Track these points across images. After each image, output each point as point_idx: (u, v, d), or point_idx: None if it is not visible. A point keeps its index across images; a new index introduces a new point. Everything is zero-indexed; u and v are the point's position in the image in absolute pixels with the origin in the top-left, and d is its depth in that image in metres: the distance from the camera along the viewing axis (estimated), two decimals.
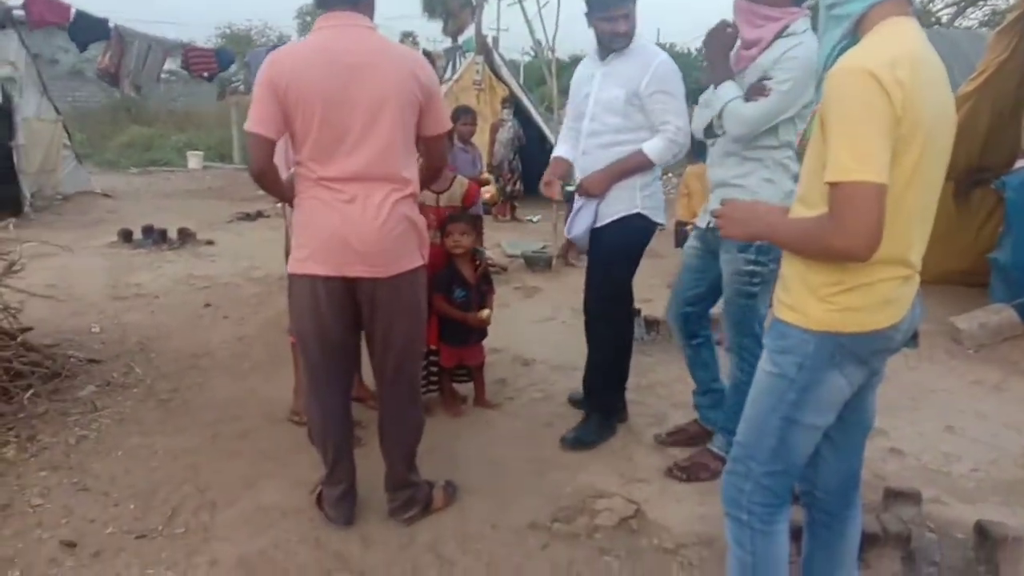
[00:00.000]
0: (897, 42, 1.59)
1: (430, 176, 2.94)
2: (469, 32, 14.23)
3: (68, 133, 11.27)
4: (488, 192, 9.49)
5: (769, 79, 2.73)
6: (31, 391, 3.68)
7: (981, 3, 15.44)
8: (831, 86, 1.58)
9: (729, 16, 2.89)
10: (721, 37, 2.91)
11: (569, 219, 3.49)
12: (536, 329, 5.55)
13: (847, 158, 1.53)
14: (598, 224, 3.37)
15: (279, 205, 3.30)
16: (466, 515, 2.89)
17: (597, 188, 3.32)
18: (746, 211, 1.88)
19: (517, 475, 3.22)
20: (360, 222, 2.47)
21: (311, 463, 3.02)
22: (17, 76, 9.49)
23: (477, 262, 3.85)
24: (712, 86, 2.92)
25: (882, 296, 1.69)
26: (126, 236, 8.19)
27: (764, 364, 1.87)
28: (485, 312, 3.79)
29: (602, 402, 3.63)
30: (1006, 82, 5.92)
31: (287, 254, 2.79)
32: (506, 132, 10.58)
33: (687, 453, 3.35)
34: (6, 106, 9.45)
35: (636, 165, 3.29)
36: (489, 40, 13.40)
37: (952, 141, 1.72)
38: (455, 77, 12.44)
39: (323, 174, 2.48)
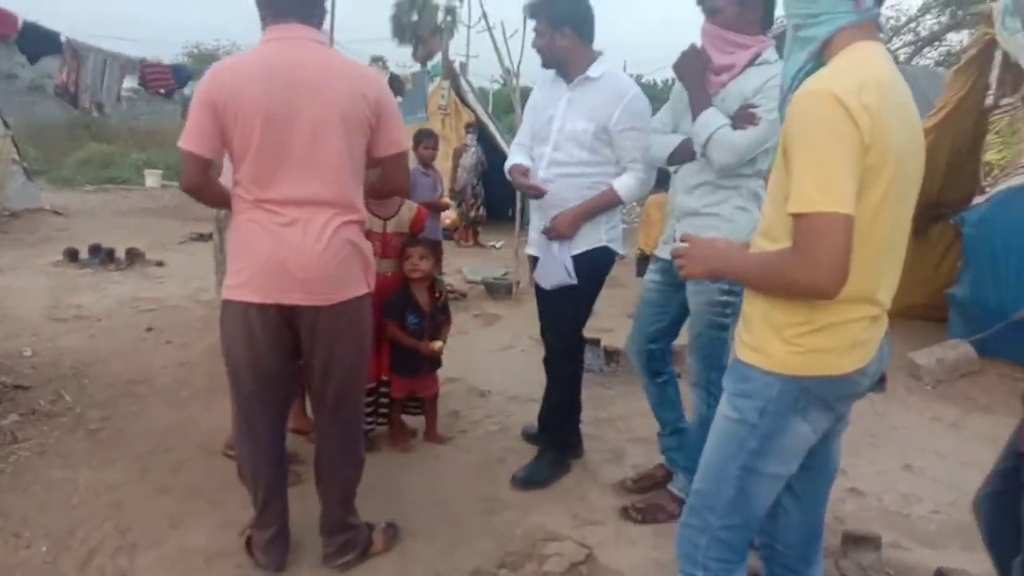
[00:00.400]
0: (864, 67, 1.50)
1: (387, 195, 2.80)
2: (439, 58, 14.21)
3: (17, 148, 10.93)
4: (449, 218, 9.38)
5: (754, 107, 2.64)
6: None
7: (937, 44, 15.80)
8: (794, 111, 1.48)
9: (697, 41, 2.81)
10: (695, 61, 2.78)
11: (538, 267, 3.32)
12: (494, 358, 5.41)
13: (812, 188, 1.43)
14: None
15: (214, 222, 3.13)
16: (407, 561, 2.72)
17: (569, 229, 3.19)
18: (706, 248, 1.76)
19: (465, 516, 3.05)
20: (299, 247, 2.30)
21: (243, 501, 2.80)
22: None
23: (437, 292, 3.70)
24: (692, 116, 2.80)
25: (851, 337, 1.59)
26: (72, 255, 7.89)
27: (723, 408, 1.75)
28: (437, 344, 3.64)
29: (557, 438, 3.49)
30: (964, 119, 5.98)
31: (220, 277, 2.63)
32: (469, 157, 10.50)
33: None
34: None
35: (606, 203, 3.19)
36: (457, 66, 13.39)
37: (922, 171, 1.63)
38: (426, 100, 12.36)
39: (261, 196, 2.32)
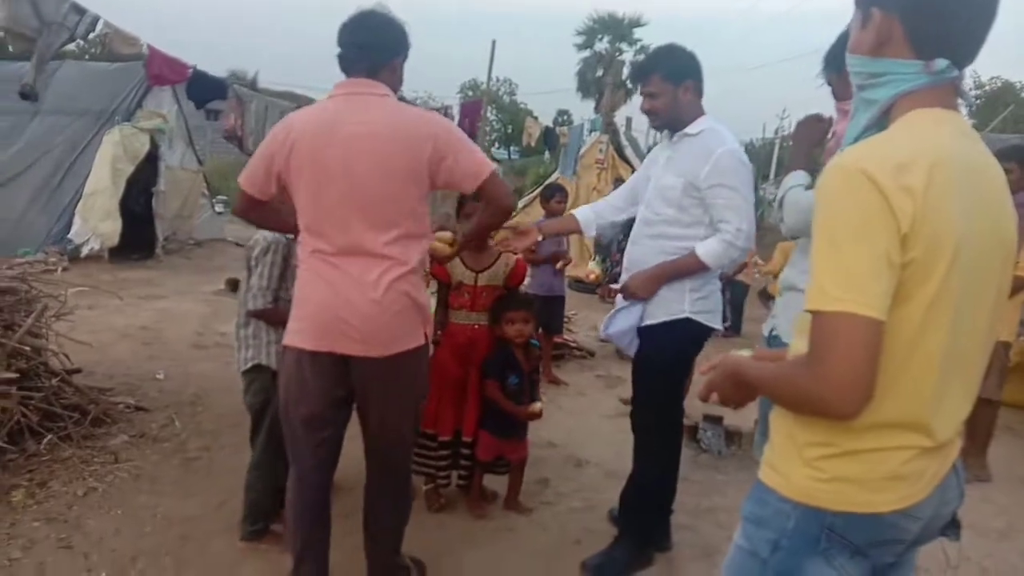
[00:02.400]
0: (918, 138, 1.20)
1: (500, 217, 2.63)
2: (622, 111, 14.27)
3: (207, 183, 12.03)
4: (594, 272, 9.23)
5: None
6: (62, 434, 3.68)
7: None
8: (820, 186, 1.22)
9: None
10: (809, 129, 2.60)
11: (608, 316, 3.14)
12: (604, 425, 5.14)
13: (828, 281, 1.16)
14: (644, 323, 3.02)
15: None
16: None
17: (643, 291, 2.97)
18: (726, 367, 1.47)
19: None
20: (355, 298, 2.31)
21: None
22: (166, 128, 10.26)
23: (529, 356, 3.54)
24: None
25: (887, 470, 1.27)
26: (233, 285, 8.46)
27: (737, 536, 1.45)
28: (537, 405, 3.46)
29: (639, 524, 3.19)
30: None
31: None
32: None
33: None
34: (153, 154, 10.19)
35: (687, 268, 2.92)
36: (623, 120, 13.36)
37: (1009, 265, 1.30)
38: (580, 154, 12.41)
39: (318, 246, 2.36)
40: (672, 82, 2.97)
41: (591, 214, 3.40)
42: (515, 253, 3.34)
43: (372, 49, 2.39)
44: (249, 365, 2.91)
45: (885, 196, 1.13)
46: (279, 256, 2.84)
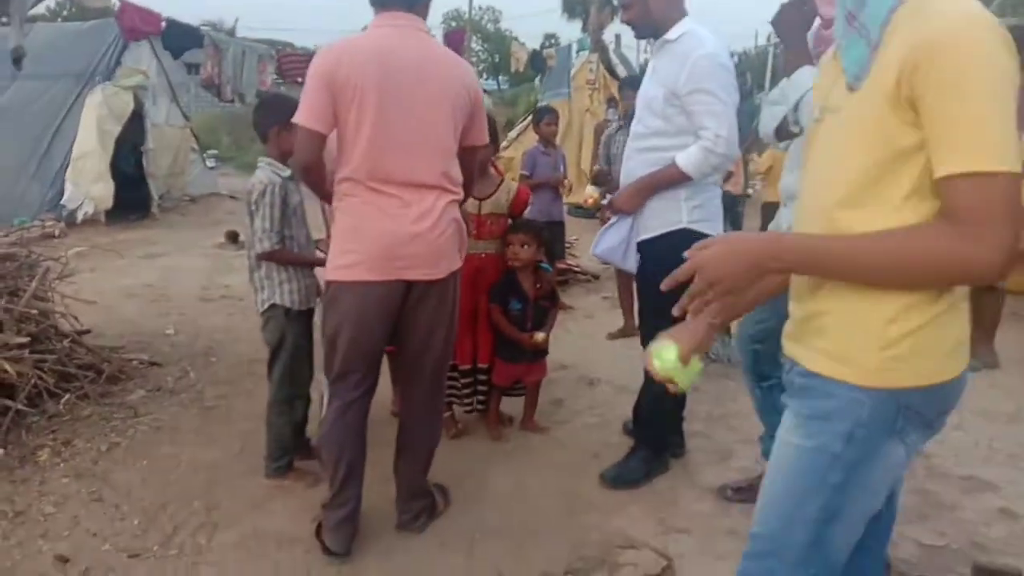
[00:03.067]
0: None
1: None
2: (610, 29, 13.90)
3: (196, 138, 11.87)
4: (592, 196, 9.16)
5: None
6: (80, 393, 3.73)
7: None
8: (956, 42, 1.15)
9: None
10: (795, 14, 2.45)
11: (599, 234, 3.13)
12: (612, 345, 5.19)
13: (998, 142, 1.12)
14: (639, 238, 3.01)
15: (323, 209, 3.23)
16: (473, 559, 2.62)
17: (628, 205, 2.97)
18: (725, 245, 1.44)
19: (544, 513, 2.91)
20: (415, 227, 2.42)
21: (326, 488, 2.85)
22: (148, 84, 10.06)
23: (537, 282, 3.54)
24: (786, 76, 2.50)
25: (955, 335, 1.29)
26: (232, 237, 8.45)
27: (792, 435, 1.42)
28: (540, 335, 3.48)
29: (653, 434, 3.25)
30: None
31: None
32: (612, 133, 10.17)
33: (739, 514, 2.92)
34: (138, 112, 10.03)
35: (668, 179, 2.88)
36: (613, 38, 13.04)
37: None
38: (570, 76, 12.16)
39: (373, 176, 2.40)
40: None
41: None
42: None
43: None
44: (266, 306, 2.94)
45: (1011, 51, 1.14)
46: (277, 197, 2.84)
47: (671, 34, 2.88)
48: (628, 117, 5.13)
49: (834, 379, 1.33)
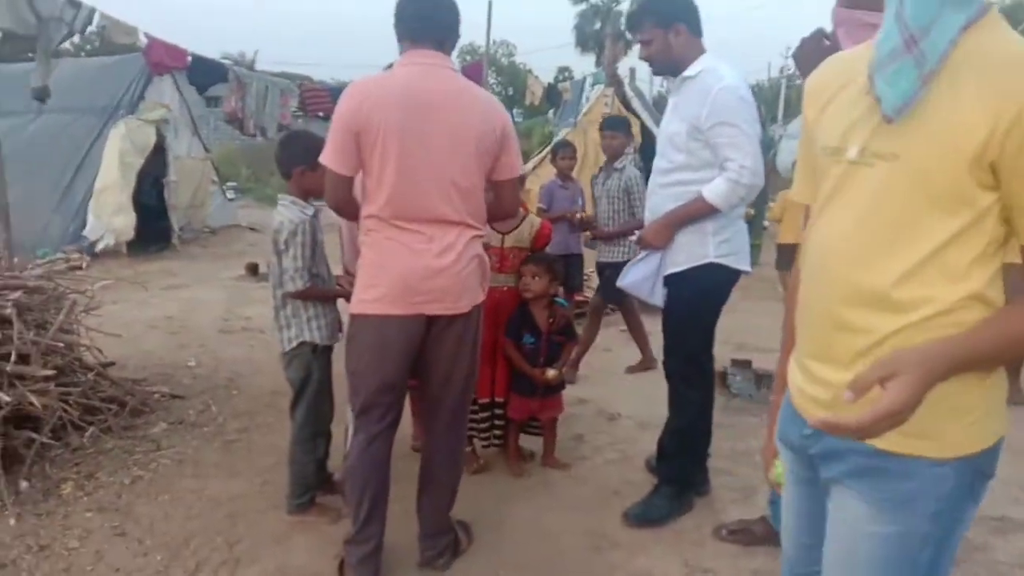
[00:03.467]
0: None
1: (498, 217, 2.87)
2: (624, 62, 14.04)
3: (216, 170, 12.03)
4: None
5: None
6: (103, 426, 3.75)
7: None
8: None
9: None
10: (815, 48, 2.42)
11: (625, 268, 3.14)
12: (633, 379, 5.17)
13: None
14: (666, 272, 3.02)
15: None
16: None
17: (656, 239, 2.98)
18: (895, 364, 1.11)
19: (566, 552, 2.88)
20: (437, 262, 2.45)
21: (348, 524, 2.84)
22: (171, 117, 10.24)
23: (551, 317, 3.54)
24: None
25: (1003, 389, 1.26)
26: (252, 269, 8.52)
27: (870, 525, 1.29)
28: (551, 372, 3.47)
29: (677, 471, 3.22)
30: None
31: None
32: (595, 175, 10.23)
33: (764, 555, 2.87)
34: (160, 145, 10.19)
35: (697, 212, 2.90)
36: (627, 72, 13.13)
37: None
38: (584, 111, 12.26)
39: (397, 213, 2.44)
40: (662, 27, 2.95)
41: None
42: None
43: (442, 24, 2.51)
44: (294, 344, 2.95)
45: None
46: (308, 236, 2.88)
47: (690, 71, 2.92)
48: (614, 158, 5.15)
49: (914, 457, 1.23)
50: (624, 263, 3.69)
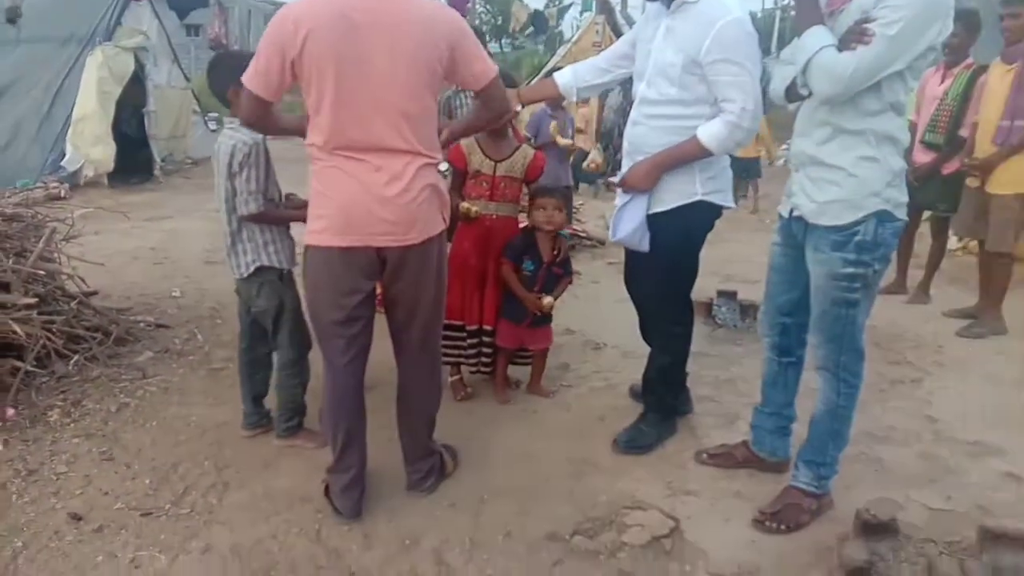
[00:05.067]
0: None
1: (492, 121, 2.82)
2: None
3: (197, 100, 11.76)
4: (594, 161, 9.08)
5: (872, 21, 2.18)
6: (88, 355, 3.73)
7: None
8: None
9: None
10: None
11: (613, 217, 3.04)
12: (618, 310, 5.12)
13: None
14: (650, 211, 2.91)
15: None
16: (481, 519, 2.64)
17: (644, 183, 2.85)
18: None
19: (551, 476, 2.92)
20: (384, 191, 2.35)
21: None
22: (149, 45, 9.96)
23: (555, 248, 3.51)
24: (796, 37, 2.44)
25: None
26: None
27: None
28: (547, 300, 3.46)
29: (662, 399, 3.25)
30: None
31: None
32: (615, 97, 10.05)
33: (746, 477, 2.93)
34: (139, 74, 9.93)
35: (689, 154, 2.79)
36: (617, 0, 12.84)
37: None
38: (574, 39, 12.04)
39: (340, 143, 2.34)
40: None
41: (571, 77, 3.26)
42: None
43: None
44: (252, 268, 2.91)
45: None
46: (262, 158, 2.80)
47: None
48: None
49: None
50: None
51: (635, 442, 3.14)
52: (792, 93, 2.51)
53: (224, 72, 2.85)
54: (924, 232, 5.61)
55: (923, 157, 5.09)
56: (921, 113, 5.17)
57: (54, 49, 9.64)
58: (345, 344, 2.52)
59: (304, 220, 2.86)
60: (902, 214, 2.42)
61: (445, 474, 2.86)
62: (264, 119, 2.45)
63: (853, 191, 2.34)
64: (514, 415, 3.45)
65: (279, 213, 2.94)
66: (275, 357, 3.09)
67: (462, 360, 3.55)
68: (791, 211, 2.58)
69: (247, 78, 2.33)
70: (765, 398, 2.92)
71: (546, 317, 3.58)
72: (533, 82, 10.89)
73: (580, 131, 9.13)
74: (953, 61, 4.98)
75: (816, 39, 2.28)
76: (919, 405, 3.64)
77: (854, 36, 2.21)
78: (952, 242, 6.29)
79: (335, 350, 2.53)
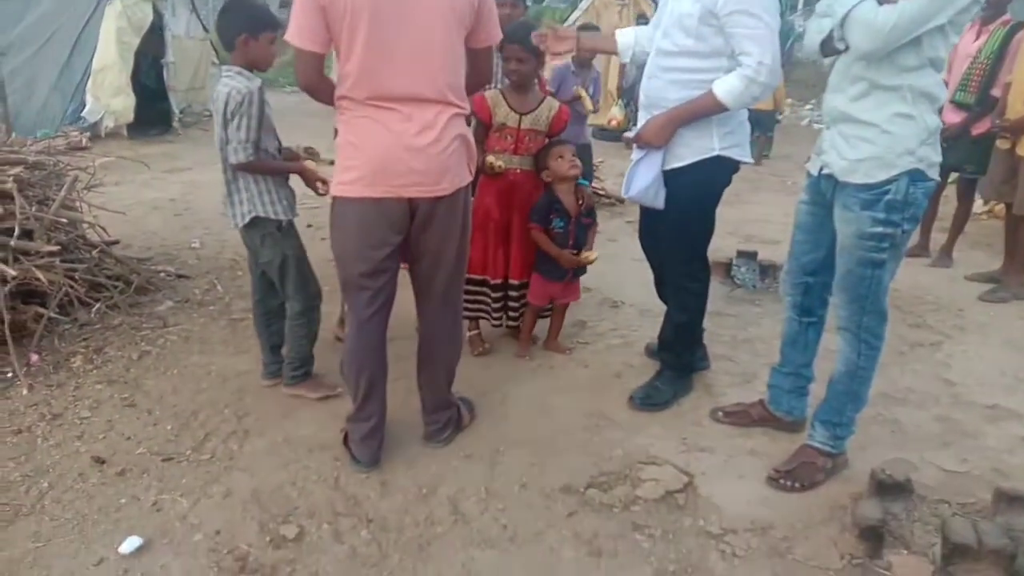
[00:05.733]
0: None
1: (479, 86, 2.81)
2: None
3: (216, 51, 11.67)
4: (615, 118, 8.97)
5: None
6: (110, 303, 3.78)
7: None
8: None
9: None
10: None
11: (628, 172, 3.01)
12: (637, 268, 5.07)
13: None
14: (668, 167, 2.88)
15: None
16: (497, 469, 2.67)
17: (658, 139, 2.81)
18: None
19: (566, 430, 2.94)
20: (415, 141, 2.36)
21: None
22: None
23: (579, 198, 3.48)
24: None
25: None
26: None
27: None
28: (589, 255, 3.46)
29: (678, 357, 3.25)
30: None
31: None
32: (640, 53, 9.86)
33: (761, 435, 2.94)
34: (158, 24, 9.86)
35: (703, 110, 2.74)
36: None
37: None
38: None
39: (372, 93, 2.34)
40: None
41: (631, 39, 3.23)
42: (547, 51, 3.22)
43: None
44: (248, 218, 2.87)
45: None
46: (256, 107, 2.74)
47: None
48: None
49: None
50: None
51: (651, 399, 3.15)
52: (828, 47, 2.43)
53: (237, 19, 2.81)
54: (949, 195, 5.53)
55: (953, 117, 4.97)
56: (952, 71, 5.03)
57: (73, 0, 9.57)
58: (370, 296, 2.53)
59: (297, 172, 2.90)
60: (935, 174, 2.37)
61: (462, 426, 2.88)
62: (321, 78, 2.42)
63: (887, 148, 2.30)
64: (531, 370, 3.47)
65: (271, 164, 2.89)
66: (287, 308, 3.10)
67: (483, 315, 3.55)
68: (820, 169, 2.54)
69: (292, 36, 2.31)
70: (784, 358, 2.90)
71: (579, 271, 3.56)
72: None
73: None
74: (989, 17, 4.84)
75: None
76: (938, 368, 3.63)
77: None
78: (978, 205, 6.19)
79: (360, 302, 2.55)
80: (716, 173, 2.90)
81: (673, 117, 2.79)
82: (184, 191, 6.83)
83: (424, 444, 2.79)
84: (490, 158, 3.34)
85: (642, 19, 10.33)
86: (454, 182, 2.46)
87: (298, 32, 2.29)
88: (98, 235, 4.11)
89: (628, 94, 9.82)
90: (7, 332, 3.21)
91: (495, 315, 3.57)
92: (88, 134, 8.63)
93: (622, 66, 9.96)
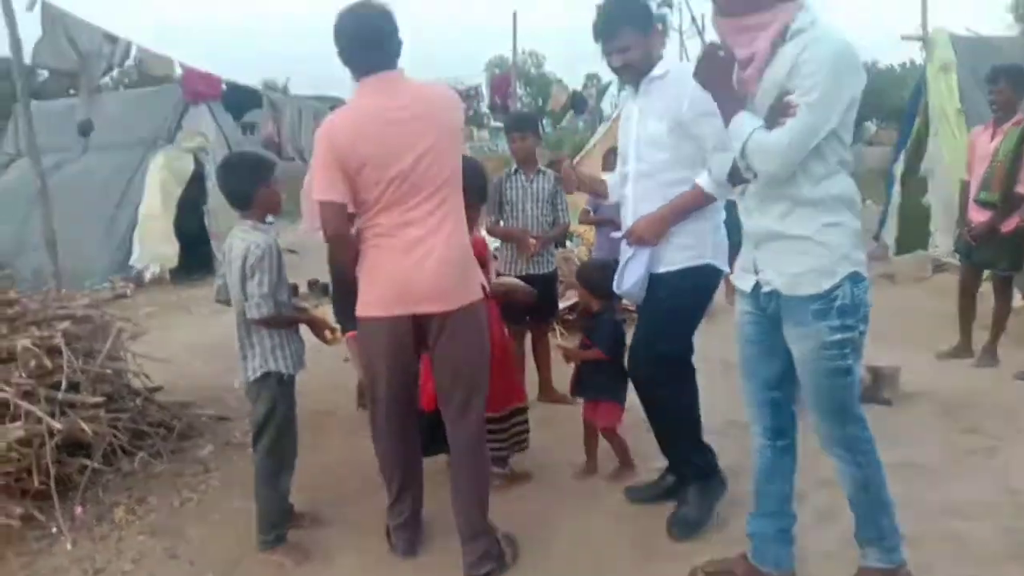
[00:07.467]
0: None
1: None
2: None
3: None
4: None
5: (790, 93, 2.20)
6: (152, 450, 3.82)
7: None
8: None
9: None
10: (713, 64, 2.37)
11: (618, 271, 3.10)
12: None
13: None
14: (657, 270, 2.97)
15: None
16: None
17: (651, 235, 2.93)
18: None
19: (614, 563, 2.85)
20: (424, 262, 2.58)
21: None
22: (208, 146, 10.46)
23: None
24: (724, 126, 2.40)
25: None
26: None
27: None
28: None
29: (694, 468, 3.14)
30: None
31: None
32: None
33: None
34: (199, 172, 10.41)
35: (693, 202, 2.89)
36: None
37: None
38: (614, 115, 12.24)
39: (388, 224, 2.58)
40: (642, 31, 2.91)
41: (617, 182, 3.36)
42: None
43: (387, 46, 2.60)
44: (259, 373, 2.89)
45: None
46: (275, 260, 2.80)
47: (657, 70, 2.92)
48: (525, 162, 4.56)
49: None
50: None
51: (687, 521, 3.03)
52: (736, 177, 2.45)
53: (247, 172, 2.91)
54: (985, 291, 5.46)
55: (979, 216, 5.01)
56: (973, 172, 5.11)
57: (118, 152, 10.19)
58: (395, 401, 2.73)
59: (306, 323, 3.05)
60: (866, 272, 2.38)
61: (504, 567, 2.79)
62: (347, 228, 2.60)
63: (824, 257, 2.30)
64: (575, 496, 3.39)
65: (289, 317, 2.96)
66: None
67: (504, 451, 3.46)
68: (755, 286, 2.47)
69: (322, 194, 2.53)
70: (761, 499, 2.68)
71: (603, 390, 3.52)
72: (576, 160, 11.08)
73: None
74: (1002, 118, 4.96)
75: (745, 124, 2.28)
76: (996, 475, 3.48)
77: (780, 111, 2.22)
78: (1017, 299, 6.09)
79: (381, 416, 2.75)
80: (705, 281, 3.03)
81: (665, 215, 2.93)
82: (225, 332, 6.88)
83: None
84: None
85: None
86: (464, 297, 2.67)
87: (328, 188, 2.55)
88: (142, 382, 4.21)
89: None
90: (52, 486, 3.25)
91: (510, 441, 3.48)
92: (132, 283, 8.96)
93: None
